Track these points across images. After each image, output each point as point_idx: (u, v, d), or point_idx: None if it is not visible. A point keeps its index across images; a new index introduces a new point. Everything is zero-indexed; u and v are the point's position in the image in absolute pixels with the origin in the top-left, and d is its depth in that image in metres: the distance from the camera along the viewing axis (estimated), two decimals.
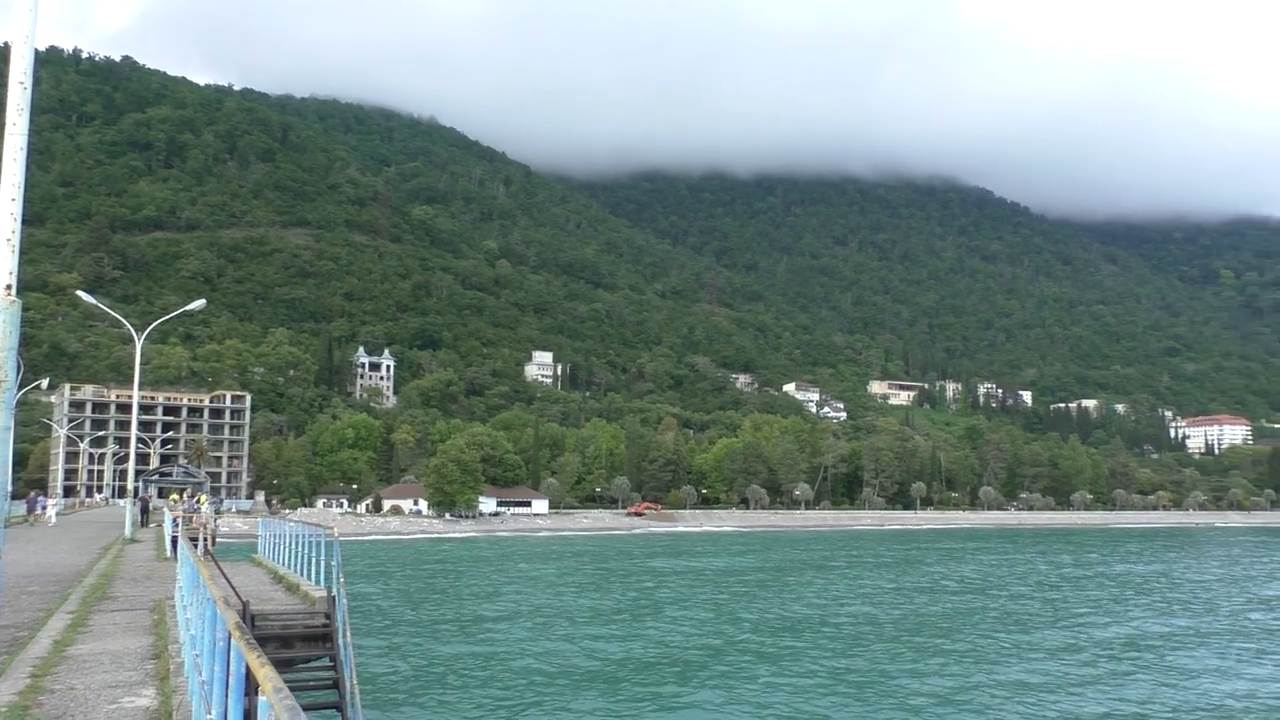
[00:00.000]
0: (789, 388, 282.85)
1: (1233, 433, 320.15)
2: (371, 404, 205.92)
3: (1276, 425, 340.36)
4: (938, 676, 33.45)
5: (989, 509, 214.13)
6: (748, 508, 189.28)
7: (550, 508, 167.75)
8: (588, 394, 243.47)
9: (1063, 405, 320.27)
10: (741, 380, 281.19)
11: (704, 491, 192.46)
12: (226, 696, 6.57)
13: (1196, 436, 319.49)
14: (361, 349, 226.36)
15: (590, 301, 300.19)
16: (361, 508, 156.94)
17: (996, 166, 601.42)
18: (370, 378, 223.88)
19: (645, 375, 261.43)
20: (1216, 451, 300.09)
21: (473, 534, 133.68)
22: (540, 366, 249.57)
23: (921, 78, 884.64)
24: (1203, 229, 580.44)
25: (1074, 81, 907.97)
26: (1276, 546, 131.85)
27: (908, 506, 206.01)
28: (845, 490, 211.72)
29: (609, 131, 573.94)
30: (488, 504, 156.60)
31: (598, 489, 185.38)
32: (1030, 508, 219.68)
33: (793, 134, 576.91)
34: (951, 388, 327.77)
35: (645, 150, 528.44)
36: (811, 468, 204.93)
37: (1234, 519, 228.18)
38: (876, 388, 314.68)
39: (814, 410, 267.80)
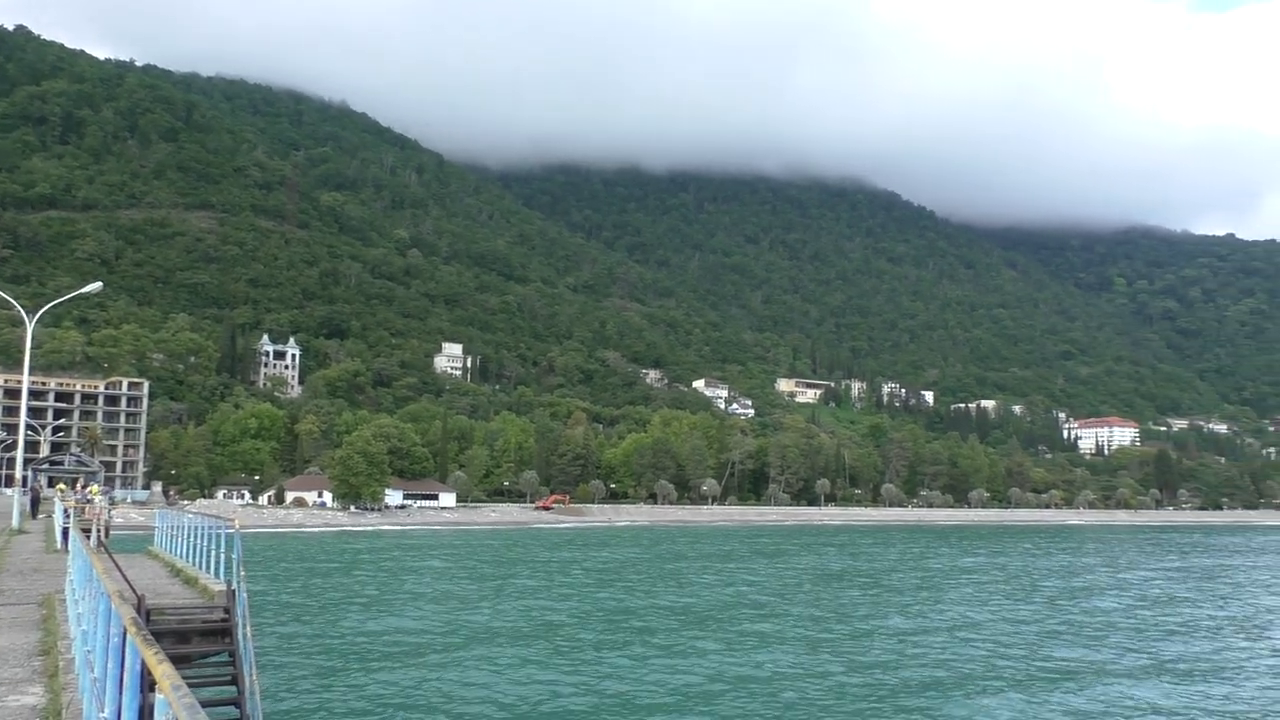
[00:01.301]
0: (698, 384, 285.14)
1: (1122, 434, 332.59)
2: (276, 393, 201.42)
3: (1163, 428, 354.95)
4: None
5: (891, 506, 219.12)
6: (656, 503, 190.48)
7: (458, 501, 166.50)
8: (497, 387, 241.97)
9: (963, 405, 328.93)
10: (652, 376, 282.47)
11: (613, 486, 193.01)
12: (121, 694, 6.44)
13: (1088, 438, 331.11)
14: (266, 337, 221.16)
15: (502, 294, 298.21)
16: (264, 500, 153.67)
17: (904, 169, 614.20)
18: (275, 366, 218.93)
19: (556, 369, 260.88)
20: (1106, 452, 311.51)
21: (378, 527, 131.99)
22: (450, 358, 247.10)
23: (834, 78, 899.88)
24: (1098, 237, 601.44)
25: (980, 86, 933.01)
26: (1150, 545, 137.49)
27: (812, 503, 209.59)
28: (752, 486, 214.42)
29: (524, 123, 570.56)
30: (394, 497, 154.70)
31: (506, 482, 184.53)
32: (930, 505, 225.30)
33: (707, 131, 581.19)
34: (857, 386, 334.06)
35: (560, 143, 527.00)
36: (719, 464, 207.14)
37: (1121, 517, 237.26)
38: (784, 385, 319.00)
39: (723, 407, 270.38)
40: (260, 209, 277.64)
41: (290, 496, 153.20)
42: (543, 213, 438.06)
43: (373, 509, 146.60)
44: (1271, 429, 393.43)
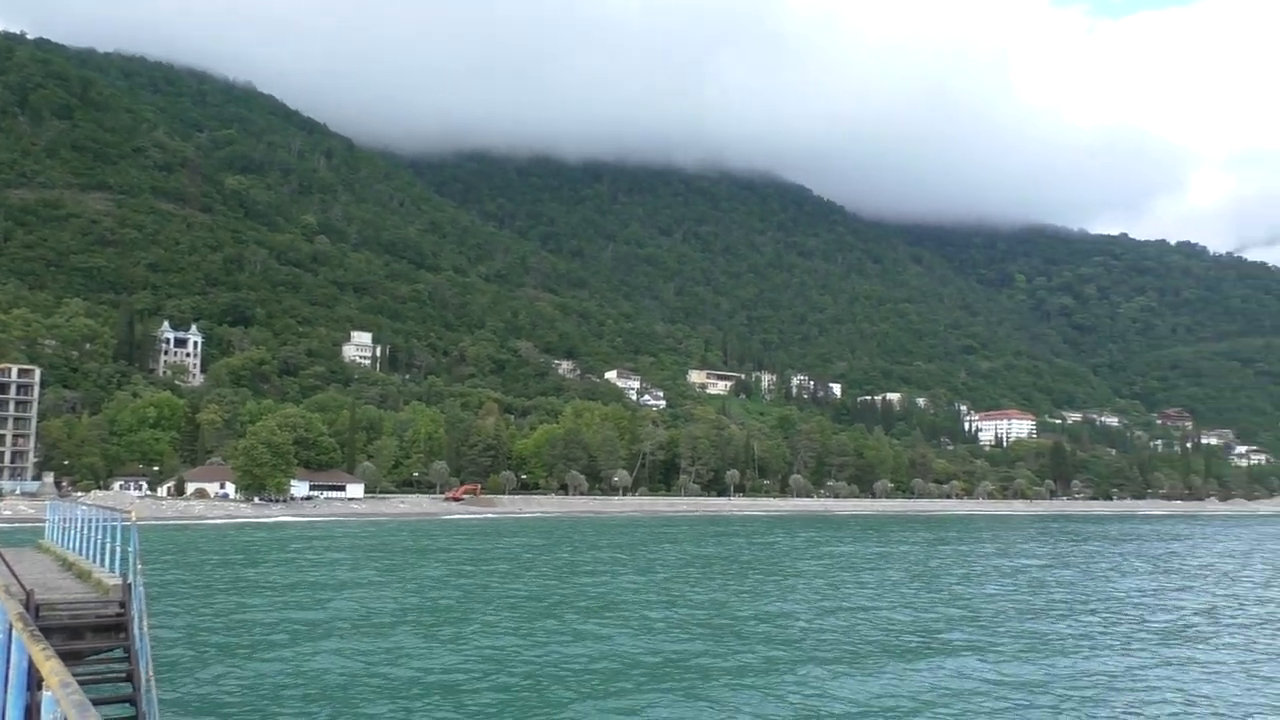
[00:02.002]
0: (611, 375, 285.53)
1: (1020, 427, 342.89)
2: (176, 382, 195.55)
3: (1058, 421, 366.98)
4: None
5: (798, 496, 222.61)
6: (567, 493, 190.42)
7: (366, 492, 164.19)
8: (407, 377, 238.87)
9: (869, 398, 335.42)
10: (564, 366, 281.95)
11: (524, 477, 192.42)
12: (6, 692, 6.26)
13: (988, 430, 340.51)
14: (166, 323, 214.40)
15: (412, 282, 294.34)
16: (163, 491, 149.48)
17: (815, 164, 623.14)
18: (175, 354, 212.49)
19: (467, 359, 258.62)
20: (1005, 444, 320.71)
21: (282, 518, 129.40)
22: (358, 347, 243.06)
23: (748, 73, 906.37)
24: (1000, 235, 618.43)
25: (890, 85, 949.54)
26: (1041, 535, 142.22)
27: (722, 493, 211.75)
28: (663, 477, 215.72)
29: (437, 109, 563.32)
30: (300, 488, 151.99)
31: (416, 473, 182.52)
32: (836, 495, 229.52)
33: (621, 122, 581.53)
34: (767, 379, 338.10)
35: (473, 130, 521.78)
36: (631, 454, 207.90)
37: (1018, 507, 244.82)
38: (695, 377, 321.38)
39: (634, 398, 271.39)
40: (161, 191, 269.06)
41: (191, 488, 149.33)
42: (455, 200, 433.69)
43: (277, 500, 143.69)
44: (1159, 422, 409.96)
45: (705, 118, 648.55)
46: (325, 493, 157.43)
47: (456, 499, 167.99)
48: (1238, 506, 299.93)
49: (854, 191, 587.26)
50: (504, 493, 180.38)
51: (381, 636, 39.41)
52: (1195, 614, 53.32)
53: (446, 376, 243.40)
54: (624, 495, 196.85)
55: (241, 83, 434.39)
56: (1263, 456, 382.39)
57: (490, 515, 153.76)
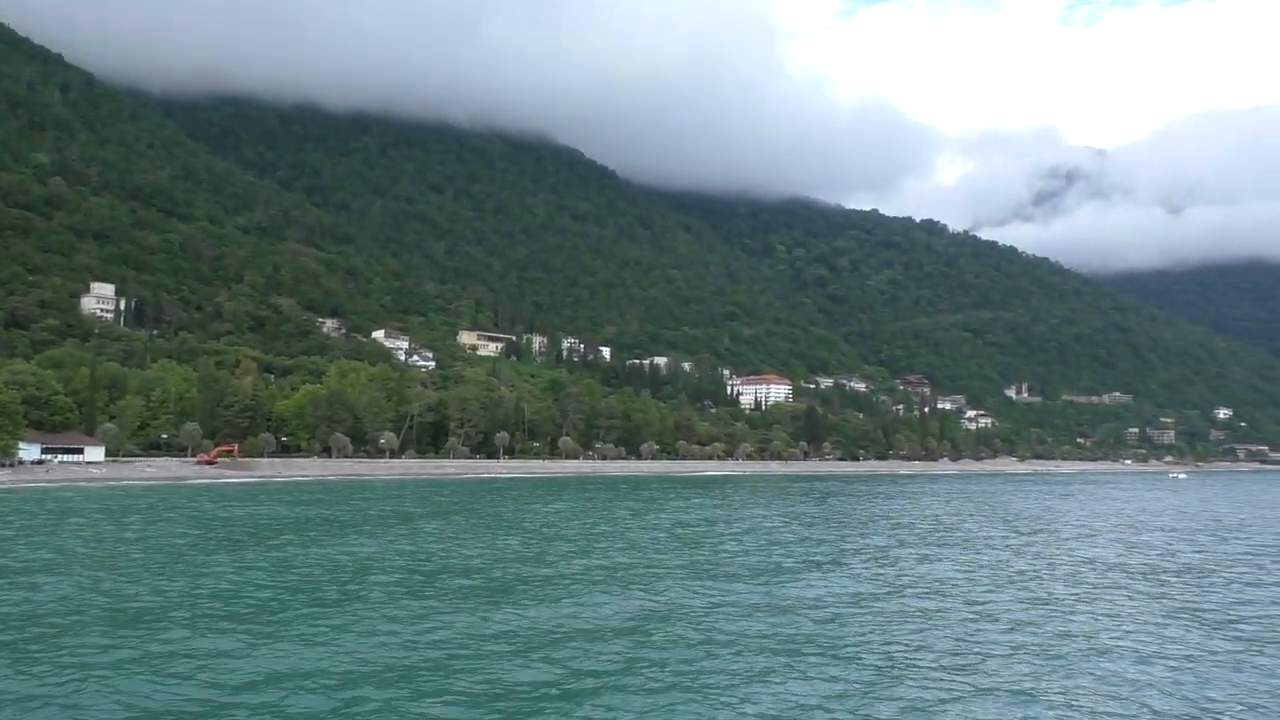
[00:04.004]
0: (378, 334, 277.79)
1: (777, 391, 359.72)
2: None
3: (812, 386, 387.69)
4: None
5: (567, 458, 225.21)
6: (331, 456, 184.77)
7: (108, 455, 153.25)
8: (156, 333, 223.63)
9: (637, 361, 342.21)
10: (329, 325, 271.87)
11: (285, 439, 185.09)
12: None
13: (748, 394, 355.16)
14: None
15: (162, 231, 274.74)
16: None
17: (588, 128, 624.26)
18: None
19: (223, 315, 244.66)
20: (764, 407, 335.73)
21: (8, 484, 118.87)
22: (100, 300, 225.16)
23: (522, 30, 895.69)
24: (764, 206, 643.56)
25: (664, 52, 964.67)
26: (795, 493, 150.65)
27: (491, 456, 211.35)
28: (431, 439, 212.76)
29: (189, 46, 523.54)
30: (30, 450, 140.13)
31: (165, 435, 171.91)
32: (604, 457, 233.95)
33: (391, 74, 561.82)
34: (538, 341, 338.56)
35: (231, 72, 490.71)
36: (398, 416, 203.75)
37: (775, 468, 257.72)
38: (466, 338, 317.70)
39: (403, 358, 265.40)
40: None
41: None
42: (210, 146, 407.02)
43: (3, 464, 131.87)
44: (901, 387, 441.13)
45: (478, 75, 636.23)
46: (60, 456, 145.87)
47: (210, 462, 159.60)
48: (966, 466, 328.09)
49: (626, 157, 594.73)
50: (263, 455, 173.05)
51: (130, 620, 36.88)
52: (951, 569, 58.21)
53: (200, 333, 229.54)
54: (390, 458, 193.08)
55: None
56: (989, 420, 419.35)
57: (249, 479, 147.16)
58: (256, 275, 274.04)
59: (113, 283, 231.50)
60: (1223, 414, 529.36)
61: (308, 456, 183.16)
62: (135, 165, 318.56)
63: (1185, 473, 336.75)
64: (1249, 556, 70.24)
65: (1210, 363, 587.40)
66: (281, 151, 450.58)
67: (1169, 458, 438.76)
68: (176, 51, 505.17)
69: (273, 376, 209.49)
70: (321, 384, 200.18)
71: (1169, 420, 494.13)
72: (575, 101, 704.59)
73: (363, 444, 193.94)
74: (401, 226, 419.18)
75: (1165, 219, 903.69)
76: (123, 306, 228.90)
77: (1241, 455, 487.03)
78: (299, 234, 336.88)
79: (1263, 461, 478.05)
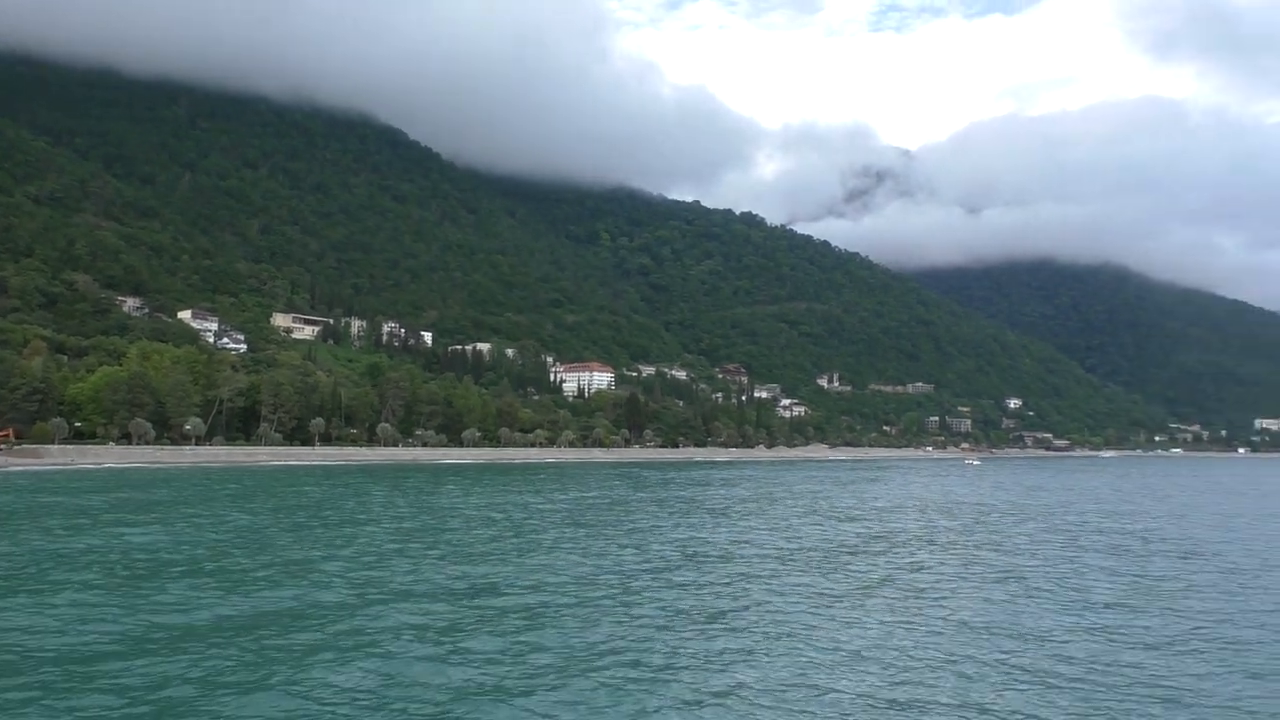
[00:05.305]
0: (185, 315, 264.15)
1: (600, 378, 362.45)
2: None
3: (634, 373, 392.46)
4: None
5: (386, 445, 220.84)
6: (131, 443, 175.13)
7: None
8: None
9: (460, 347, 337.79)
10: (130, 304, 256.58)
11: (79, 425, 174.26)
12: None
13: (571, 381, 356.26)
14: None
15: None
16: None
17: (412, 108, 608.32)
18: None
19: (10, 291, 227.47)
20: (587, 395, 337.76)
21: None
22: None
23: (343, 5, 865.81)
24: (589, 193, 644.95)
25: (490, 34, 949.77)
26: (617, 479, 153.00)
27: (306, 443, 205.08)
28: (242, 425, 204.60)
29: None
30: None
31: None
32: (425, 444, 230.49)
33: (202, 40, 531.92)
34: (357, 325, 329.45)
35: (23, 28, 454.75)
36: (206, 401, 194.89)
37: (597, 455, 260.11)
38: (280, 320, 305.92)
39: (212, 340, 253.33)
40: None
41: None
42: None
43: None
44: (720, 376, 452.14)
45: (297, 47, 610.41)
46: None
47: None
48: (781, 452, 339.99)
49: (450, 140, 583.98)
50: (53, 442, 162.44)
51: None
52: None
53: None
54: (197, 445, 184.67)
55: None
56: (803, 409, 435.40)
57: (36, 467, 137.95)
58: (49, 249, 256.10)
59: None
60: (1013, 403, 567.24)
61: (104, 443, 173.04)
62: None
63: (979, 459, 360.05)
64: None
65: (1003, 355, 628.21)
66: (79, 118, 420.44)
67: (965, 444, 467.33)
68: None
69: (66, 358, 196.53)
70: (121, 366, 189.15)
71: (966, 409, 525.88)
72: (399, 81, 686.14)
73: (166, 430, 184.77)
74: (212, 202, 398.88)
75: (965, 219, 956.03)
76: None
77: (1029, 442, 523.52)
78: (97, 206, 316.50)
79: (1047, 448, 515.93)
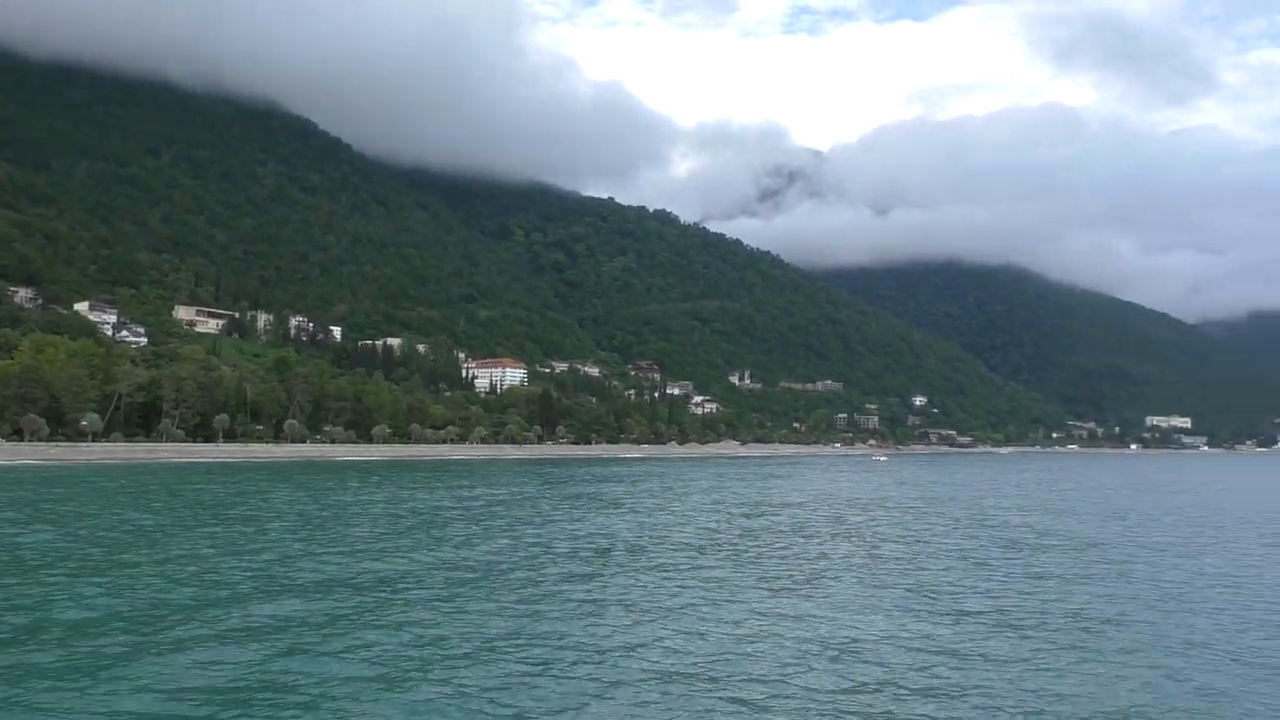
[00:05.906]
0: (81, 307, 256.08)
1: (513, 375, 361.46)
2: None
3: (547, 370, 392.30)
4: None
5: (293, 442, 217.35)
6: (23, 439, 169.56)
7: None
8: None
9: (370, 342, 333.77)
10: (22, 295, 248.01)
11: None
12: None
13: (484, 377, 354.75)
14: None
15: None
16: None
17: (321, 98, 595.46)
18: None
19: None
20: (499, 391, 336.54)
21: None
22: None
23: None
24: (502, 188, 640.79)
25: (403, 24, 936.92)
26: (525, 476, 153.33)
27: (210, 439, 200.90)
28: (142, 421, 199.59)
29: None
30: None
31: None
32: (333, 441, 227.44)
33: (102, 20, 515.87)
34: (263, 318, 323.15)
35: None
36: (104, 396, 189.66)
37: (509, 452, 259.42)
38: (183, 313, 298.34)
39: (110, 333, 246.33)
40: None
41: None
42: None
43: None
44: (633, 373, 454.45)
45: (202, 31, 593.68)
46: None
47: None
48: (692, 449, 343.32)
49: (361, 131, 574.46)
50: None
51: None
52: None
53: None
54: (93, 441, 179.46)
55: None
56: (714, 406, 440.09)
57: None
58: None
59: None
60: (919, 401, 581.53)
61: None
62: None
63: (886, 455, 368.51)
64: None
65: (909, 354, 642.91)
66: None
67: (872, 441, 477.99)
68: None
69: None
70: (13, 360, 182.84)
71: (873, 407, 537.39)
72: (310, 69, 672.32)
73: (61, 426, 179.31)
74: (111, 190, 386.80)
75: (873, 219, 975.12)
76: None
77: (934, 439, 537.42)
78: None
79: (950, 444, 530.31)
